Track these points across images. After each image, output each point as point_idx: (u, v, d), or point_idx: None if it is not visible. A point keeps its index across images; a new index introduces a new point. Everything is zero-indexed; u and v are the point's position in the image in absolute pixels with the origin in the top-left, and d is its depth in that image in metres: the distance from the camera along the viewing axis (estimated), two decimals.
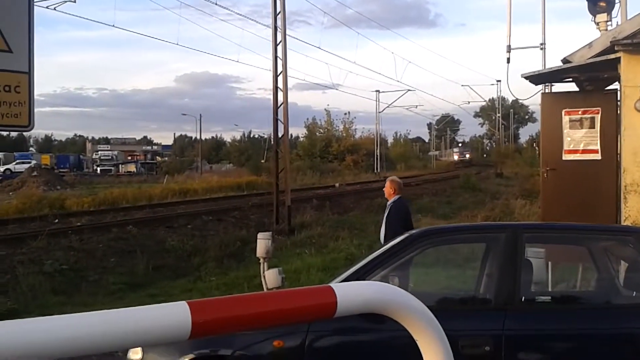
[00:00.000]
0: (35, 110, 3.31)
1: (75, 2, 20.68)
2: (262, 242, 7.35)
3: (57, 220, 18.01)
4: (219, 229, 17.15)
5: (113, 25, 24.28)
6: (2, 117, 2.85)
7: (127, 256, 13.21)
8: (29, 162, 55.34)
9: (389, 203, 7.89)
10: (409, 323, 1.47)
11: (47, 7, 20.50)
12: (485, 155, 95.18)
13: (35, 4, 3.55)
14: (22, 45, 2.85)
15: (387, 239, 7.81)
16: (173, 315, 1.26)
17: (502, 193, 28.87)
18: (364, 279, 4.20)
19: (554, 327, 4.01)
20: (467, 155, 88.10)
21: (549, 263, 5.39)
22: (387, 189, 7.93)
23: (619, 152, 7.99)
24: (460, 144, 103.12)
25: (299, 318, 1.42)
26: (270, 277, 6.91)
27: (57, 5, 20.69)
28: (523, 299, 4.16)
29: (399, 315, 1.46)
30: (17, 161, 60.25)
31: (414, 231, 4.85)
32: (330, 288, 1.41)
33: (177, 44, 44.69)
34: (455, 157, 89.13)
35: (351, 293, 1.44)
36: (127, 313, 1.24)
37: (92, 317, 1.23)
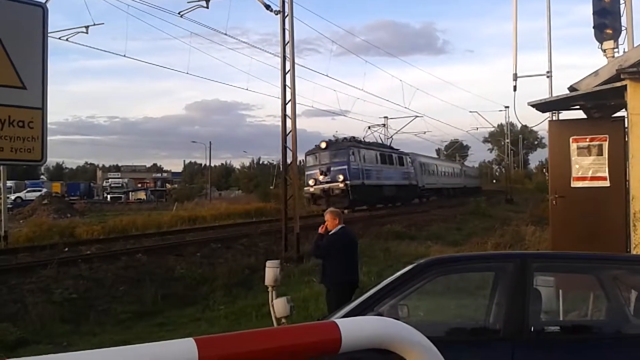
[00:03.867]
0: (47, 140, 3.39)
1: (87, 32, 21.16)
2: (271, 271, 7.33)
3: (67, 249, 18.08)
4: (228, 257, 17.13)
5: (124, 55, 24.91)
6: (16, 151, 2.90)
7: (136, 285, 13.21)
8: (40, 190, 55.85)
9: (330, 233, 7.87)
10: (413, 358, 1.48)
11: (59, 38, 20.97)
12: (494, 181, 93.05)
13: (48, 35, 3.66)
14: (36, 82, 2.92)
15: (325, 269, 7.90)
16: (180, 351, 1.28)
17: (512, 219, 28.70)
18: (372, 310, 4.19)
19: (563, 358, 3.97)
20: (341, 179, 34.59)
21: (559, 292, 5.35)
22: (330, 220, 7.91)
23: (627, 179, 7.97)
24: (323, 147, 36.83)
25: (304, 354, 1.43)
26: (279, 305, 6.89)
27: (69, 36, 21.16)
28: (532, 329, 4.12)
29: (403, 350, 1.47)
30: (28, 189, 60.75)
31: (421, 260, 4.83)
32: (335, 324, 1.43)
33: (188, 73, 45.36)
34: (310, 185, 35.72)
35: (355, 328, 1.46)
36: (134, 350, 1.26)
37: (98, 354, 1.25)
